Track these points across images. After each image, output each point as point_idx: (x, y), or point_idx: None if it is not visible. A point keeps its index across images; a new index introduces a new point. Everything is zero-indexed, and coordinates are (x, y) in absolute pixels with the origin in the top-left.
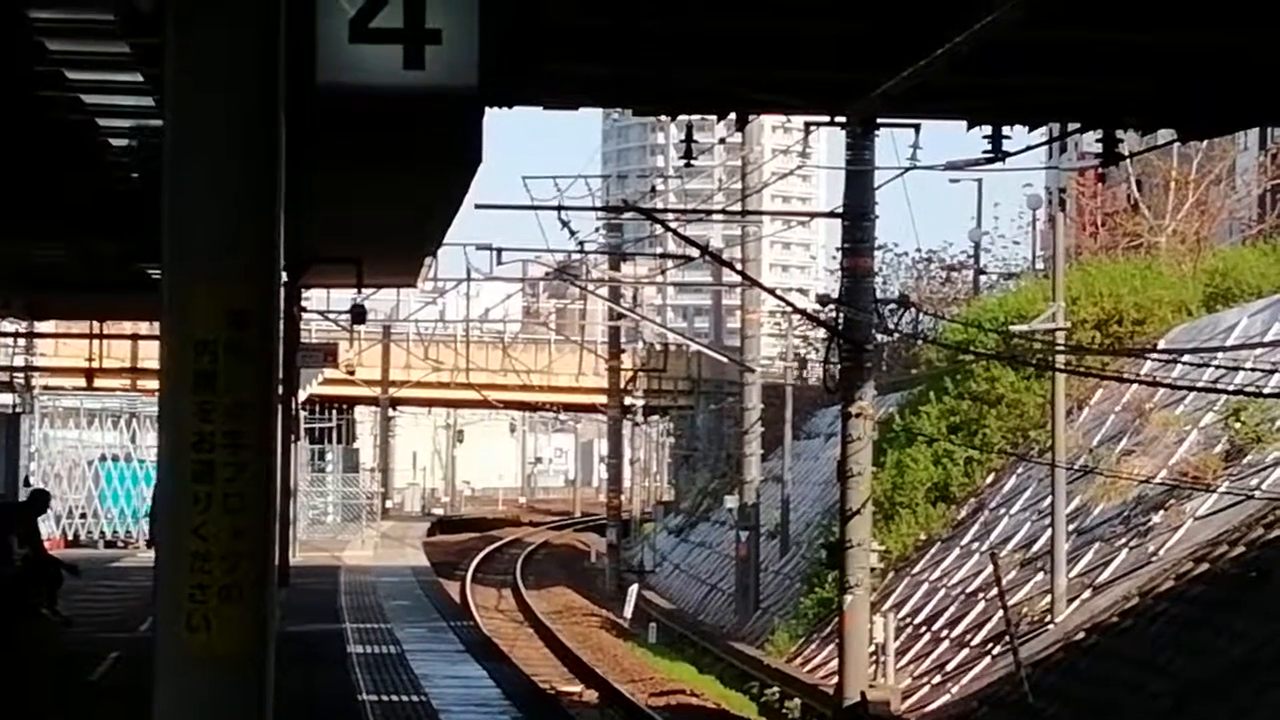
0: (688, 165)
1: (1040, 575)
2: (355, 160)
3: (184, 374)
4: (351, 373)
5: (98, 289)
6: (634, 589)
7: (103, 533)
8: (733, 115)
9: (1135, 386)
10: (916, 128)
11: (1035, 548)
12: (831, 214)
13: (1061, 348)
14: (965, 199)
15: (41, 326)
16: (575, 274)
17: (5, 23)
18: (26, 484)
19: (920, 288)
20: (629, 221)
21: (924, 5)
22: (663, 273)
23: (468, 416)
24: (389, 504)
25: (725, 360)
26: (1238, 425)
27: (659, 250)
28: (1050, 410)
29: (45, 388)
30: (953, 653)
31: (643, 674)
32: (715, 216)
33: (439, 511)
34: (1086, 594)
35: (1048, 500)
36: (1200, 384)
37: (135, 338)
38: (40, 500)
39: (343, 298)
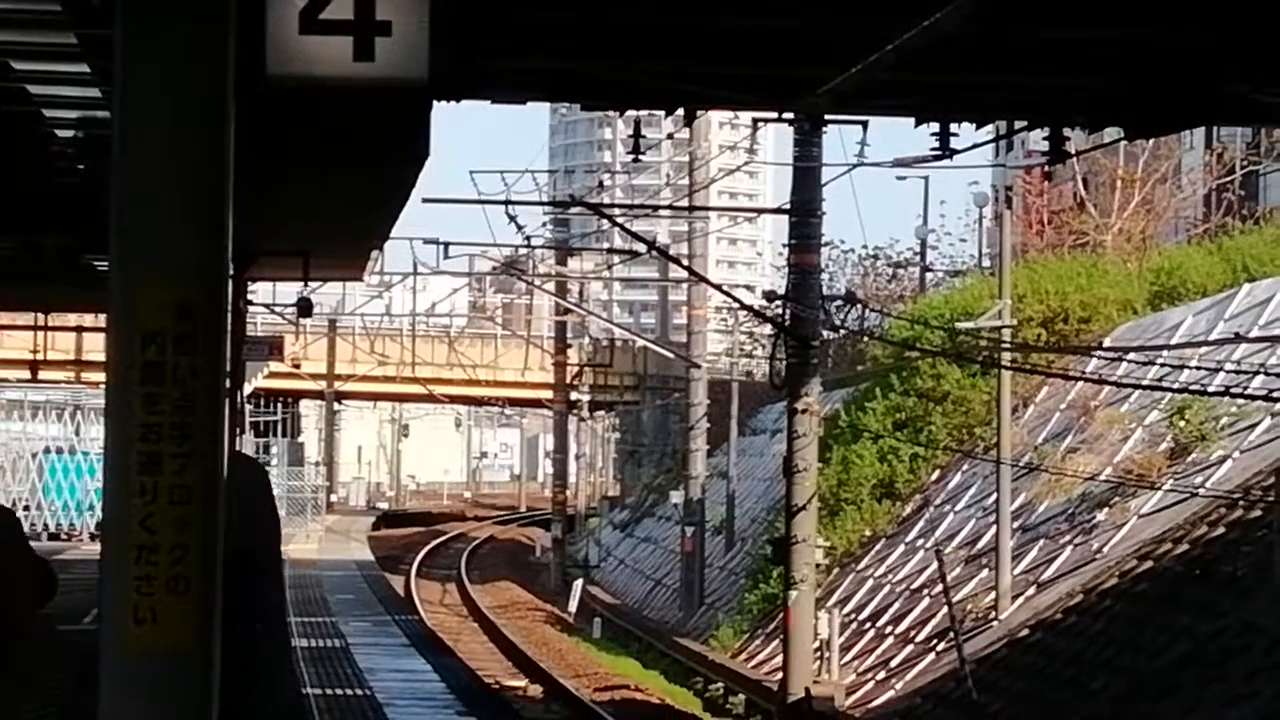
0: (635, 161)
1: (985, 572)
2: (303, 153)
3: (131, 366)
4: (297, 366)
5: (43, 281)
6: (579, 584)
7: (46, 525)
8: (680, 111)
9: (1080, 384)
10: (864, 124)
11: (980, 544)
12: (779, 210)
13: (1007, 345)
14: (912, 196)
15: None
16: (522, 269)
17: None
18: None
19: (867, 284)
20: (576, 216)
21: (872, 1)
22: (609, 268)
23: (413, 411)
24: (334, 498)
25: (671, 356)
26: (1182, 423)
27: (606, 245)
28: (995, 407)
29: None
30: (897, 649)
31: (587, 669)
32: (662, 212)
33: (384, 506)
34: (1031, 591)
35: (993, 497)
36: (1145, 382)
37: (80, 329)
38: None
39: (288, 291)
